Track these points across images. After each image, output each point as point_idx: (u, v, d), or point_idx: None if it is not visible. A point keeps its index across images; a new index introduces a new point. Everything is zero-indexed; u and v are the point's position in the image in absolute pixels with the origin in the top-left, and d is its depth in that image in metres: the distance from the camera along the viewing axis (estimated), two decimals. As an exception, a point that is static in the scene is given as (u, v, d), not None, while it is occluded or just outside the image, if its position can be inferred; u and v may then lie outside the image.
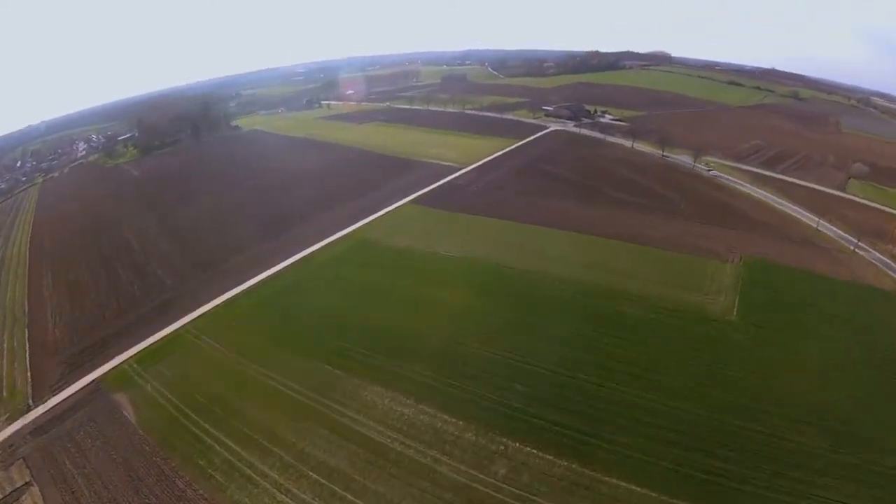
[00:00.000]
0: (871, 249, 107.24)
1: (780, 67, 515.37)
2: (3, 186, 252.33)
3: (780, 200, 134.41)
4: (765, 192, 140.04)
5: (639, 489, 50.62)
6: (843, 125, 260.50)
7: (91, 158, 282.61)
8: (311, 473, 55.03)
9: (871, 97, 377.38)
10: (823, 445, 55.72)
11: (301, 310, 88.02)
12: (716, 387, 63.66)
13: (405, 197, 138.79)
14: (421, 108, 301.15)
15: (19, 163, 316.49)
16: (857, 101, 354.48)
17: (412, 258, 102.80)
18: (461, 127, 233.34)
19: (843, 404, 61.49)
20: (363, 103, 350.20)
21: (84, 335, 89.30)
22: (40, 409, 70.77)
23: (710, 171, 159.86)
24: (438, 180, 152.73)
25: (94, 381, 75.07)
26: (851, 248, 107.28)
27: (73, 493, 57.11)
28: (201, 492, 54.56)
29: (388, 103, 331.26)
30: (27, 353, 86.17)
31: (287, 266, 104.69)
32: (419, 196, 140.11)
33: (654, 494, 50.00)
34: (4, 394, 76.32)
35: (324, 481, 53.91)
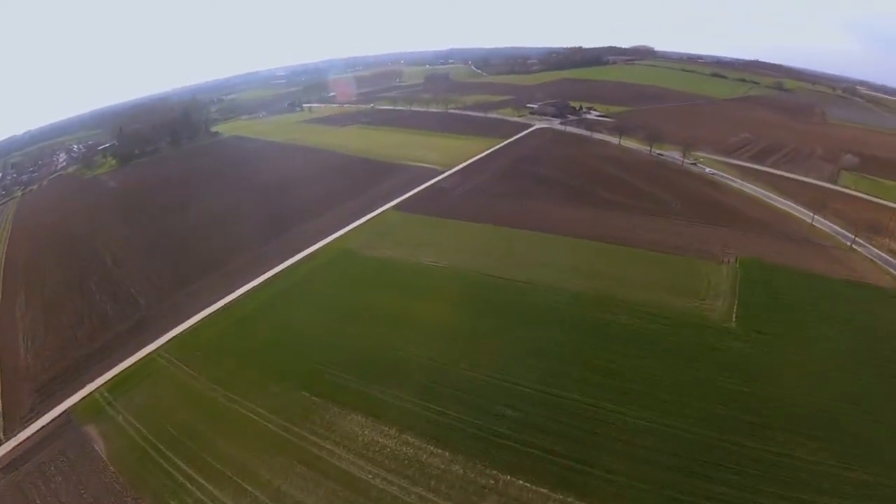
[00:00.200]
0: (867, 244, 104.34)
1: (762, 59, 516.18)
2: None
3: (772, 196, 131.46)
4: (756, 188, 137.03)
5: (639, 523, 46.29)
6: (829, 115, 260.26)
7: (70, 170, 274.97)
8: (286, 517, 50.05)
9: (856, 86, 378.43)
10: (832, 462, 51.75)
11: (277, 329, 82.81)
12: (716, 402, 59.46)
13: (387, 203, 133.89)
14: (404, 108, 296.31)
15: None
16: (843, 91, 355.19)
17: (394, 269, 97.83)
18: (445, 127, 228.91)
19: (851, 415, 57.72)
20: (345, 105, 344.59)
21: (56, 360, 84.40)
22: (12, 443, 66.52)
23: (694, 163, 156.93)
24: (421, 184, 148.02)
25: (65, 411, 70.94)
26: (848, 244, 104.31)
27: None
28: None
29: (371, 105, 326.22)
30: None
31: (263, 281, 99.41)
32: (402, 202, 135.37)
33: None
34: (-23, 427, 71.57)
35: (300, 526, 48.93)
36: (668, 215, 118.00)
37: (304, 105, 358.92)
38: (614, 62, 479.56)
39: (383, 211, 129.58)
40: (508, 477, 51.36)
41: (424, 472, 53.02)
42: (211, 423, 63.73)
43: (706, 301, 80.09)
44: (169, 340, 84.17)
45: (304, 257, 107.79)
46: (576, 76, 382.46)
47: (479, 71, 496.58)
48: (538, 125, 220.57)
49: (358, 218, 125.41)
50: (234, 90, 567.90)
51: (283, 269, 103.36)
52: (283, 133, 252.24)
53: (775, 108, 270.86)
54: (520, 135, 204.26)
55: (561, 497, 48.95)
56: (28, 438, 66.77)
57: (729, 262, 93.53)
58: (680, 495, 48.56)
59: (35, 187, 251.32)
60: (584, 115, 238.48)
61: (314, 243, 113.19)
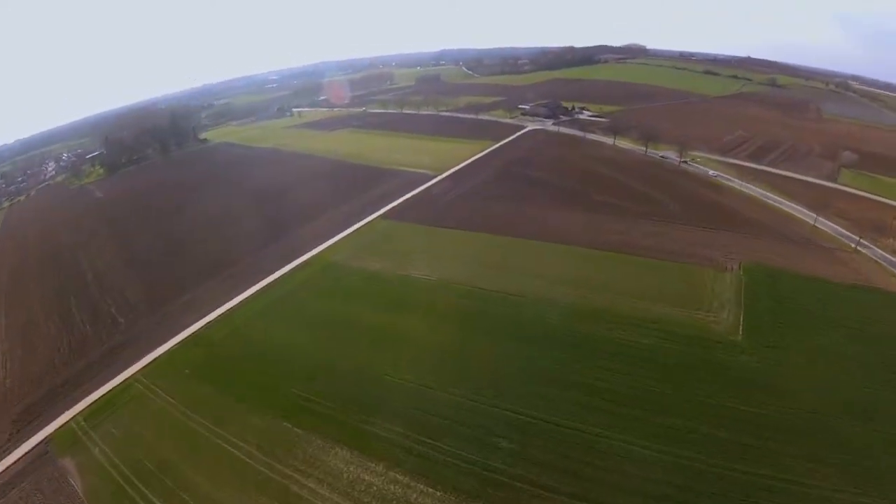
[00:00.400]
0: (872, 246, 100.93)
1: (754, 55, 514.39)
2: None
3: (772, 196, 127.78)
4: (756, 188, 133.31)
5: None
6: (824, 111, 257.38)
7: (58, 179, 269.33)
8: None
9: (849, 81, 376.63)
10: (850, 489, 48.12)
11: (257, 352, 78.13)
12: (726, 427, 55.32)
13: (376, 211, 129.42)
14: (395, 111, 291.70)
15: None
16: (836, 86, 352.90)
17: (382, 283, 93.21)
18: (436, 130, 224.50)
19: (866, 436, 53.90)
20: (335, 109, 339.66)
21: (35, 385, 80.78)
22: (-12, 476, 63.46)
23: (686, 161, 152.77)
24: (411, 190, 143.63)
25: (41, 441, 67.77)
26: (853, 245, 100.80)
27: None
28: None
29: (362, 108, 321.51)
30: (-22, 410, 77.60)
31: (244, 300, 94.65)
32: (391, 209, 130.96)
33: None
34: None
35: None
36: (666, 218, 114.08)
37: (294, 109, 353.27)
38: (606, 61, 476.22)
39: (372, 220, 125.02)
40: (504, 518, 47.15)
41: (413, 514, 48.73)
42: (189, 457, 59.78)
43: (711, 313, 76.06)
44: (147, 364, 80.00)
45: (287, 272, 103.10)
46: (567, 76, 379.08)
47: (470, 72, 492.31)
48: (530, 126, 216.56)
49: (345, 228, 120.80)
50: (227, 95, 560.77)
51: (265, 286, 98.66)
52: (272, 139, 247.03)
53: (769, 104, 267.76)
54: (512, 137, 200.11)
55: (561, 541, 44.79)
56: (5, 471, 63.90)
57: (732, 268, 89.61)
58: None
59: (23, 198, 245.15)
60: (576, 116, 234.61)
61: (298, 256, 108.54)
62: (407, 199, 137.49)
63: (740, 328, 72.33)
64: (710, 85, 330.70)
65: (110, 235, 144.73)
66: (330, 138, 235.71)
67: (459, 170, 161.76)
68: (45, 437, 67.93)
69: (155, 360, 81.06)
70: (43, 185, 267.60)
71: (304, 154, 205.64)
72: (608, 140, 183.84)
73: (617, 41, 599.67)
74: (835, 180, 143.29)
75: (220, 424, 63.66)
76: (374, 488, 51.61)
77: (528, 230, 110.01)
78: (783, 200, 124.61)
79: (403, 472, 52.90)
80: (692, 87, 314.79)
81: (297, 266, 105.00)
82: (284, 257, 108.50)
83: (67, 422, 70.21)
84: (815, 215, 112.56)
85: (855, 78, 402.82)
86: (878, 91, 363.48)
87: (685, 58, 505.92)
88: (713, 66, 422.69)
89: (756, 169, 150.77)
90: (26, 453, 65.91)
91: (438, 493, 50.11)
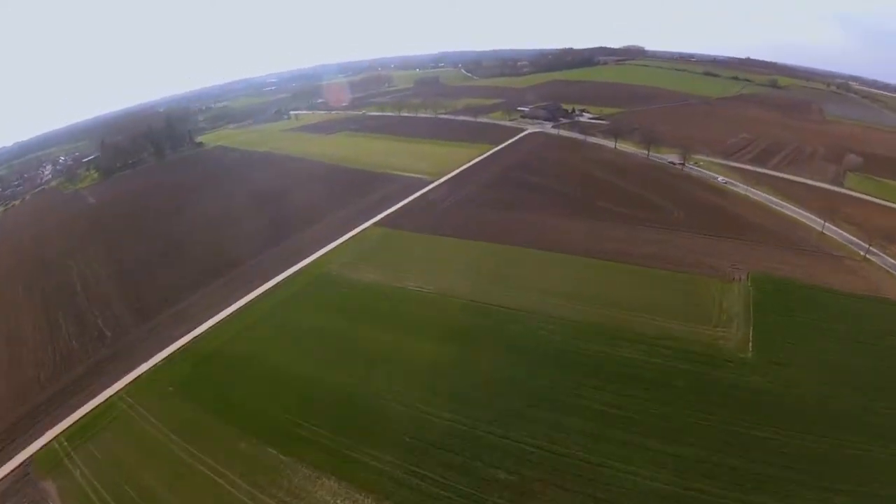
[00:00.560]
0: (881, 254, 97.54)
1: (754, 56, 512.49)
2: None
3: (778, 201, 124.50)
4: (761, 193, 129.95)
5: None
6: (826, 113, 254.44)
7: (53, 184, 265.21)
8: None
9: (849, 82, 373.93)
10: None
11: (246, 368, 74.63)
12: (737, 454, 51.80)
13: (371, 218, 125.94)
14: (393, 114, 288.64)
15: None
16: (838, 87, 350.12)
17: (376, 296, 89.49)
18: (434, 134, 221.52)
19: (886, 463, 50.53)
20: (333, 112, 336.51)
21: (18, 401, 77.74)
22: (-32, 499, 61.01)
23: (682, 164, 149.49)
24: (408, 196, 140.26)
25: (23, 462, 65.04)
26: (862, 253, 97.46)
27: None
28: None
29: (361, 111, 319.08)
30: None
31: (232, 312, 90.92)
32: (387, 216, 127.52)
33: None
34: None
35: None
36: (670, 225, 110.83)
37: (292, 112, 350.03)
38: (605, 62, 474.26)
39: (367, 227, 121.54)
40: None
41: (404, 555, 45.28)
42: (172, 485, 56.57)
43: (719, 328, 72.60)
44: (132, 381, 76.74)
45: (279, 282, 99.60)
46: (567, 77, 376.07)
47: (469, 74, 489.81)
48: (530, 129, 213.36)
49: (339, 236, 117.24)
50: (225, 97, 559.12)
51: (255, 297, 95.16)
52: (268, 142, 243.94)
53: (771, 105, 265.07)
54: (511, 140, 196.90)
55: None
56: (-14, 495, 61.53)
57: (739, 278, 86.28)
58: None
59: (18, 202, 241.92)
60: (576, 118, 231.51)
61: (291, 266, 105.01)
62: (403, 206, 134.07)
63: (750, 344, 68.97)
64: (711, 86, 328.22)
65: (100, 242, 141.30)
66: (326, 142, 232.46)
67: (457, 174, 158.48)
68: (27, 458, 65.26)
69: (140, 376, 77.69)
70: (38, 189, 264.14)
71: (298, 158, 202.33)
72: (609, 143, 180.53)
73: (615, 42, 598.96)
74: (841, 184, 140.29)
75: (204, 449, 60.31)
76: (363, 525, 48.21)
77: (528, 238, 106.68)
78: (789, 205, 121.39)
79: (395, 507, 49.38)
80: (693, 89, 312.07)
81: (290, 276, 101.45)
82: (276, 267, 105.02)
83: (50, 441, 67.44)
84: (822, 221, 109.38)
85: (854, 78, 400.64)
86: (879, 92, 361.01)
87: (684, 59, 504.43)
88: (713, 67, 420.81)
89: (760, 173, 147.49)
90: (7, 475, 63.42)
91: (431, 531, 46.71)
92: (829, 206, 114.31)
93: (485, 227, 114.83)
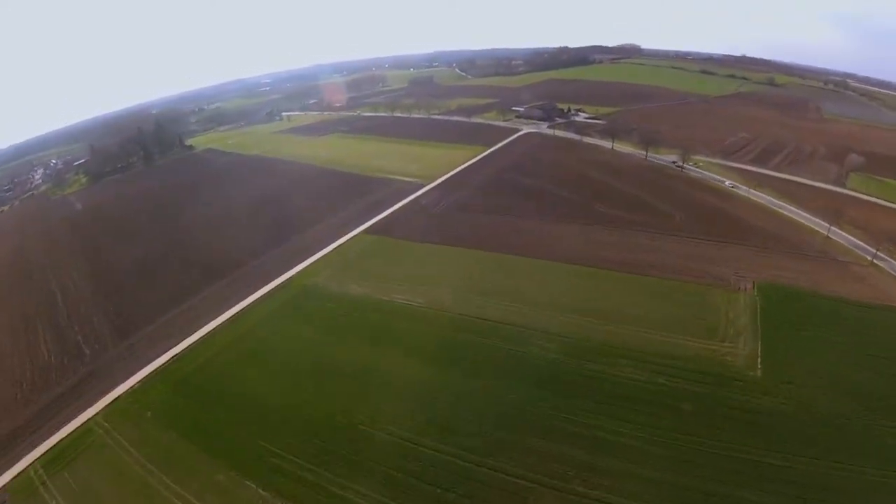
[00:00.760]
0: (889, 258, 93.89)
1: (750, 54, 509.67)
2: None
3: (781, 204, 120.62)
4: (763, 195, 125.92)
5: None
6: (824, 111, 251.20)
7: (43, 188, 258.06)
8: None
9: (846, 80, 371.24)
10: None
11: (223, 394, 70.10)
12: (752, 486, 47.90)
13: (360, 225, 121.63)
14: (386, 114, 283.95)
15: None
16: (834, 85, 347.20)
17: (363, 310, 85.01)
18: (427, 135, 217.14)
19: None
20: (326, 112, 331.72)
21: None
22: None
23: (679, 165, 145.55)
24: (399, 201, 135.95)
25: (1, 489, 62.39)
26: (869, 258, 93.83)
27: None
28: None
29: (355, 111, 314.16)
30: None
31: (215, 328, 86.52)
32: (376, 223, 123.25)
33: None
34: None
35: None
36: (670, 230, 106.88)
37: (284, 114, 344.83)
38: (601, 61, 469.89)
39: (356, 234, 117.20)
40: None
41: None
42: (145, 519, 52.07)
43: (726, 343, 68.61)
44: (108, 404, 72.77)
45: (263, 295, 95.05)
46: (562, 76, 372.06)
47: (463, 73, 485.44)
48: (525, 129, 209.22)
49: (328, 244, 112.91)
50: (219, 98, 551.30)
51: (237, 312, 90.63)
52: (259, 145, 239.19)
53: (769, 104, 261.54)
54: (505, 141, 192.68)
55: None
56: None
57: (745, 288, 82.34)
58: None
59: (6, 208, 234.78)
60: (572, 118, 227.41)
61: (276, 277, 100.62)
62: (393, 212, 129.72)
63: (758, 361, 65.04)
64: (708, 85, 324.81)
65: (83, 254, 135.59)
66: (317, 144, 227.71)
67: (450, 178, 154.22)
68: (4, 486, 62.82)
69: (118, 397, 73.71)
70: (27, 194, 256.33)
71: (289, 161, 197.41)
72: (606, 143, 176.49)
73: (611, 41, 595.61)
74: (843, 185, 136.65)
75: (180, 481, 56.68)
76: (343, 572, 43.97)
77: (523, 246, 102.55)
78: (792, 208, 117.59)
79: (376, 552, 45.21)
80: (690, 87, 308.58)
81: (275, 288, 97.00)
82: (260, 278, 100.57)
83: (26, 468, 64.38)
84: (827, 224, 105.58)
85: (849, 76, 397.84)
86: (876, 89, 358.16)
87: (680, 57, 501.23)
88: (709, 65, 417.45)
89: (761, 174, 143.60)
90: (-18, 504, 60.01)
91: (417, 580, 42.50)
92: (833, 208, 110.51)
93: (477, 234, 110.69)
